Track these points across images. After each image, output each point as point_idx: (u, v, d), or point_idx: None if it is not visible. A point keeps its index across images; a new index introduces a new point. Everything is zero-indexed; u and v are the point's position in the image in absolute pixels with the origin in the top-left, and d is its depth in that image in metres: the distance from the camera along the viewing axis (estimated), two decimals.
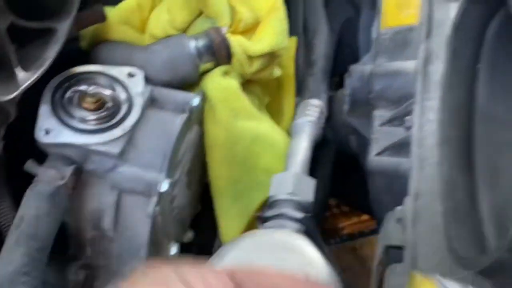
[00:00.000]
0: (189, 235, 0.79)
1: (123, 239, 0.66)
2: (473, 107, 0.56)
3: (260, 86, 0.88)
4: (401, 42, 0.75)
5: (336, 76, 1.21)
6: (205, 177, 0.83)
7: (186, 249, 0.83)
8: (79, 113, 0.63)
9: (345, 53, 1.24)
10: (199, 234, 0.87)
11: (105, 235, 0.66)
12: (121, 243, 0.66)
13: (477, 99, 0.57)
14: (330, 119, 1.08)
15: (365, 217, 1.62)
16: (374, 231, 1.61)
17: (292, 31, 1.02)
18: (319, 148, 1.17)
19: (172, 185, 0.66)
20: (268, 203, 0.65)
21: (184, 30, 0.77)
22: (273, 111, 0.94)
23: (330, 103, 1.04)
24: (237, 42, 0.76)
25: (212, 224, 0.90)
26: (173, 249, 0.71)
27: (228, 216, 0.79)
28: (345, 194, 1.41)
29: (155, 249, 0.69)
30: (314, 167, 1.17)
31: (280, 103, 0.98)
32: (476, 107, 0.56)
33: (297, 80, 0.99)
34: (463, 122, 0.55)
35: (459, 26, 0.57)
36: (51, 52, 0.59)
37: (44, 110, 0.63)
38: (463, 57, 0.58)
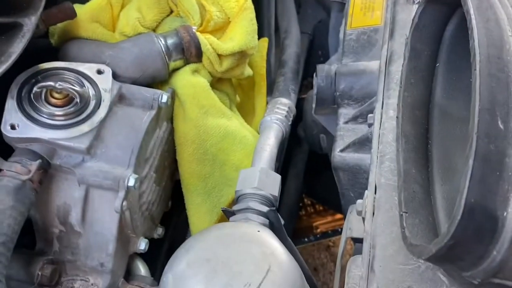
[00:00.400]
0: (159, 231, 0.80)
1: (91, 234, 0.66)
2: (431, 103, 0.59)
3: (230, 86, 0.90)
4: (366, 42, 0.77)
5: (308, 78, 1.23)
6: (176, 174, 0.84)
7: (157, 245, 0.84)
8: (46, 108, 0.64)
9: (317, 55, 1.27)
10: (170, 230, 0.87)
11: (73, 230, 0.66)
12: (89, 238, 0.66)
13: (434, 96, 0.59)
14: (302, 119, 1.10)
15: (338, 215, 1.65)
16: None
17: (264, 32, 1.04)
18: (292, 148, 1.19)
19: (140, 181, 0.66)
20: (235, 197, 0.66)
21: (154, 29, 0.78)
22: (245, 110, 0.95)
23: (302, 103, 1.06)
24: (207, 41, 0.77)
25: (183, 220, 0.90)
26: (142, 245, 0.71)
27: (199, 212, 0.80)
28: (318, 193, 1.43)
29: (123, 245, 0.70)
30: (287, 166, 1.19)
31: (251, 103, 0.99)
32: (433, 103, 0.59)
33: (269, 80, 1.00)
34: (420, 119, 0.58)
35: (418, 26, 0.59)
36: (17, 47, 0.59)
37: (11, 105, 0.63)
38: (422, 57, 0.60)
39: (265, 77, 0.99)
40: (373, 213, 0.55)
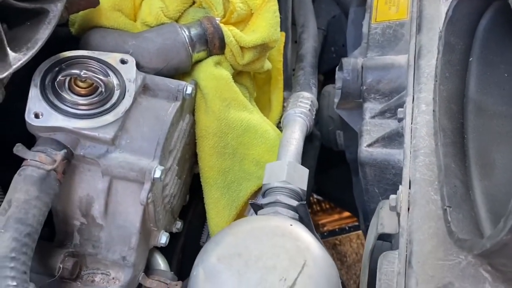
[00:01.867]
0: (178, 225, 0.79)
1: (113, 227, 0.64)
2: (465, 98, 0.58)
3: (250, 79, 0.89)
4: (392, 36, 0.76)
5: (320, 74, 1.22)
6: (194, 168, 0.82)
7: (172, 239, 0.82)
8: (70, 97, 0.62)
9: (330, 51, 1.26)
10: (186, 224, 0.86)
11: (95, 223, 0.65)
12: (111, 231, 0.65)
13: (468, 91, 0.58)
14: (317, 115, 1.09)
15: (345, 214, 1.65)
16: (354, 228, 1.63)
17: (281, 26, 1.03)
18: (304, 143, 1.18)
19: (165, 173, 0.65)
20: (262, 191, 0.65)
21: (177, 19, 0.77)
22: (261, 105, 0.94)
23: (317, 99, 1.05)
24: (230, 33, 0.75)
25: (198, 215, 0.89)
26: (163, 238, 0.70)
27: (218, 206, 0.79)
28: (328, 191, 1.42)
29: (145, 238, 0.68)
30: None
31: (268, 97, 0.98)
32: (468, 98, 0.58)
33: (285, 75, 0.99)
34: (456, 113, 0.57)
35: (452, 19, 0.58)
36: (43, 34, 0.58)
37: (34, 94, 0.61)
38: (456, 51, 0.59)
39: (282, 72, 0.98)
40: (408, 208, 0.54)
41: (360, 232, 1.62)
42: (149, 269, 0.72)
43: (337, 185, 1.31)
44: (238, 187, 0.79)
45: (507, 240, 0.36)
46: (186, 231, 0.87)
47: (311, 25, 1.04)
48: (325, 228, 1.64)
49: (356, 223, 1.60)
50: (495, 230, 0.37)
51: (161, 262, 0.73)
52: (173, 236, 0.81)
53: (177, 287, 0.69)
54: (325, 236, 1.60)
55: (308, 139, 1.20)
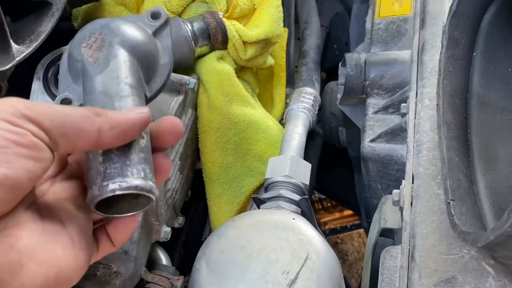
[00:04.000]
0: (180, 220, 0.78)
1: None
2: (468, 93, 0.58)
3: (252, 75, 0.88)
4: (395, 32, 0.76)
5: (323, 72, 1.22)
6: (196, 163, 0.82)
7: (174, 235, 0.82)
8: None
9: (333, 48, 1.26)
10: (187, 220, 0.86)
11: None
12: None
13: (472, 86, 0.58)
14: (319, 112, 1.09)
15: (347, 212, 1.65)
16: (356, 226, 1.63)
17: (284, 23, 1.03)
18: (307, 140, 1.17)
19: None
20: (264, 186, 0.65)
21: (179, 14, 0.76)
22: (264, 101, 0.94)
23: (320, 95, 1.05)
24: (233, 27, 0.75)
25: (200, 210, 0.89)
26: (165, 233, 0.70)
27: (220, 202, 0.79)
28: (330, 189, 1.42)
29: (147, 232, 0.68)
30: None
31: (270, 94, 0.98)
32: (472, 93, 0.58)
33: (288, 71, 0.99)
34: (459, 108, 0.57)
35: (456, 13, 0.58)
36: (46, 26, 0.58)
37: (37, 87, 0.61)
38: (459, 45, 0.59)
39: (285, 68, 0.98)
40: (411, 203, 0.53)
41: (361, 230, 1.62)
42: (151, 263, 0.72)
43: (339, 183, 1.31)
44: (240, 183, 0.79)
45: (511, 232, 0.36)
46: (188, 227, 0.87)
47: (314, 21, 1.03)
48: (327, 227, 1.64)
49: (358, 222, 1.59)
50: (499, 222, 0.37)
51: (163, 257, 0.73)
52: (175, 232, 0.80)
53: (179, 281, 0.69)
54: (326, 235, 1.60)
55: (310, 136, 1.20)
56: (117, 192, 0.36)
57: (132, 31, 0.46)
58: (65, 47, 0.67)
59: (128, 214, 0.40)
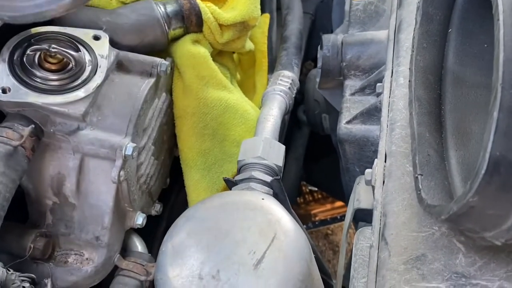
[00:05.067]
0: (157, 208, 0.77)
1: (86, 206, 0.63)
2: (443, 69, 0.56)
3: (231, 59, 0.87)
4: (373, 12, 0.75)
5: (310, 61, 1.21)
6: (174, 150, 0.81)
7: (154, 224, 0.81)
8: (40, 72, 0.60)
9: (318, 37, 1.24)
10: (168, 209, 0.85)
11: (67, 202, 0.63)
12: (84, 210, 0.63)
13: (447, 62, 0.57)
14: (303, 100, 1.07)
15: (338, 203, 1.63)
16: None
17: (266, 8, 1.01)
18: (292, 132, 1.16)
19: (138, 151, 0.63)
20: (238, 167, 0.64)
21: None
22: (245, 89, 0.92)
23: (303, 83, 1.04)
24: (207, 9, 0.74)
25: (181, 199, 0.88)
26: (139, 219, 0.68)
27: (198, 188, 0.77)
28: (318, 179, 1.41)
29: (120, 219, 0.67)
30: (286, 150, 1.16)
31: (251, 81, 0.96)
32: (446, 69, 0.56)
33: (270, 58, 0.98)
34: (432, 84, 0.55)
35: None
36: None
37: (2, 68, 0.59)
38: (434, 22, 0.58)
39: (266, 54, 0.96)
40: (383, 181, 0.52)
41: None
42: (126, 251, 0.71)
43: (327, 174, 1.30)
44: (219, 169, 0.78)
45: (474, 203, 0.35)
46: (168, 215, 0.86)
47: (296, 7, 1.02)
48: (317, 218, 1.62)
49: None
50: (462, 193, 0.36)
51: (138, 244, 0.72)
52: (154, 221, 0.79)
53: (154, 268, 0.68)
54: (317, 226, 1.59)
55: (297, 126, 1.19)
56: None
57: None
58: (35, 28, 0.65)
59: None
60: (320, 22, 1.22)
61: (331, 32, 1.19)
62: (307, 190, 1.66)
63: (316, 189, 1.66)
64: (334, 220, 1.61)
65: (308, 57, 1.16)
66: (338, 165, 1.04)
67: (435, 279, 0.43)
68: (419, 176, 0.44)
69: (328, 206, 1.67)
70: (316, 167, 1.36)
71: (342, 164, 0.71)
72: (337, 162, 1.04)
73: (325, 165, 1.33)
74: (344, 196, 1.11)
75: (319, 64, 0.77)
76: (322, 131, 1.06)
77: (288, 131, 1.07)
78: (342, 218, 1.61)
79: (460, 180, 0.46)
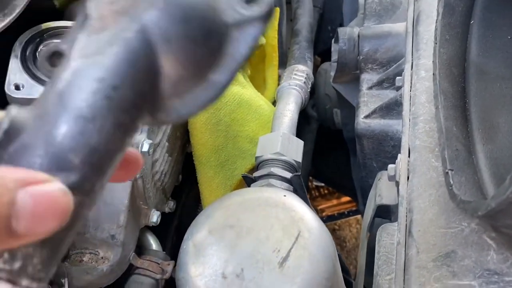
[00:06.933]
0: (170, 205, 0.76)
1: (101, 204, 0.62)
2: (466, 61, 0.55)
3: None
4: (389, 5, 0.73)
5: (317, 56, 1.19)
6: (187, 146, 0.80)
7: (167, 221, 0.80)
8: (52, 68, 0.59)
9: (327, 30, 1.23)
10: (180, 206, 0.84)
11: None
12: (99, 208, 0.62)
13: (470, 54, 0.56)
14: (313, 95, 1.06)
15: (344, 198, 1.62)
16: (353, 213, 1.61)
17: (276, 2, 1.00)
18: (300, 126, 1.15)
19: (153, 147, 0.62)
20: (255, 164, 0.63)
21: None
22: (257, 83, 0.91)
23: (314, 76, 1.02)
24: None
25: (193, 196, 0.87)
26: (154, 217, 0.67)
27: (211, 185, 0.76)
28: (326, 174, 1.40)
29: (135, 217, 0.66)
30: None
31: (261, 76, 0.95)
32: (469, 62, 0.55)
33: (280, 52, 0.96)
34: (457, 77, 0.54)
35: None
36: (21, 0, 0.55)
37: (15, 65, 0.58)
38: (456, 13, 0.57)
39: (277, 49, 0.95)
40: (408, 177, 0.51)
41: (359, 216, 1.60)
42: (140, 249, 0.70)
43: (336, 169, 1.29)
44: (232, 166, 0.77)
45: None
46: (180, 212, 0.85)
47: (306, 0, 1.00)
48: (324, 214, 1.62)
49: (355, 208, 1.57)
50: (500, 188, 0.35)
51: (153, 242, 0.71)
52: (167, 217, 0.78)
53: (169, 266, 0.67)
54: (324, 221, 1.58)
55: (306, 121, 1.18)
56: None
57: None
58: (46, 23, 0.64)
59: None
60: (328, 16, 1.20)
61: (340, 25, 1.18)
62: (314, 185, 1.65)
63: (322, 184, 1.65)
64: (341, 215, 1.60)
65: (315, 52, 1.15)
66: (345, 160, 1.03)
67: (466, 277, 0.42)
68: (449, 171, 0.43)
69: (335, 202, 1.66)
70: (324, 162, 1.34)
71: (359, 159, 0.70)
72: (345, 157, 1.03)
73: (332, 160, 1.32)
74: (351, 191, 1.10)
75: (334, 57, 0.76)
76: (333, 126, 1.05)
77: (297, 126, 1.06)
78: (350, 213, 1.61)
79: (489, 175, 0.45)
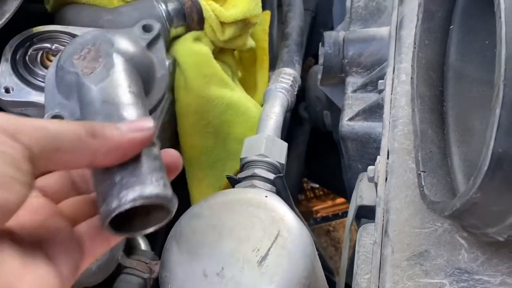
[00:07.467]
0: None
1: None
2: (445, 65, 0.57)
3: (233, 57, 0.87)
4: (375, 9, 0.75)
5: (311, 58, 1.21)
6: (176, 148, 0.81)
7: None
8: (42, 72, 0.61)
9: (319, 33, 1.24)
10: None
11: None
12: None
13: (448, 58, 0.57)
14: (304, 97, 1.07)
15: (339, 200, 1.64)
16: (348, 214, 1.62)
17: (267, 5, 1.01)
18: (293, 128, 1.16)
19: None
20: (240, 165, 0.64)
21: None
22: (246, 87, 0.93)
23: (304, 80, 1.04)
24: (209, 7, 0.74)
25: (183, 198, 0.88)
26: None
27: (201, 186, 0.78)
28: (320, 176, 1.41)
29: None
30: (288, 147, 1.17)
31: (253, 79, 0.97)
32: (448, 65, 0.56)
33: (271, 55, 0.98)
34: (435, 81, 0.55)
35: None
36: (11, 6, 0.56)
37: (5, 68, 0.60)
38: (436, 18, 0.58)
39: (267, 52, 0.96)
40: (386, 178, 0.52)
41: None
42: (129, 249, 0.71)
43: (330, 170, 1.30)
44: (222, 167, 0.78)
45: (477, 199, 0.35)
46: None
47: (297, 4, 1.02)
48: (319, 215, 1.63)
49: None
50: (465, 189, 0.36)
51: (141, 242, 0.72)
52: None
53: (157, 266, 0.68)
54: (318, 222, 1.59)
55: (299, 123, 1.19)
56: (138, 202, 0.32)
57: (127, 42, 0.44)
58: (37, 27, 0.66)
59: (141, 231, 0.36)
60: (320, 18, 1.22)
61: (332, 28, 1.20)
62: (309, 187, 1.66)
63: (317, 186, 1.66)
64: (335, 216, 1.61)
65: (309, 54, 1.16)
66: (339, 162, 1.04)
67: (438, 275, 0.43)
68: (421, 173, 0.44)
69: (330, 203, 1.67)
70: (318, 163, 1.36)
71: (345, 161, 0.72)
72: (339, 158, 1.05)
73: (326, 161, 1.33)
74: (345, 192, 1.11)
75: (321, 61, 0.77)
76: (324, 127, 1.06)
77: (289, 128, 1.07)
78: (344, 214, 1.62)
79: (462, 176, 0.46)
